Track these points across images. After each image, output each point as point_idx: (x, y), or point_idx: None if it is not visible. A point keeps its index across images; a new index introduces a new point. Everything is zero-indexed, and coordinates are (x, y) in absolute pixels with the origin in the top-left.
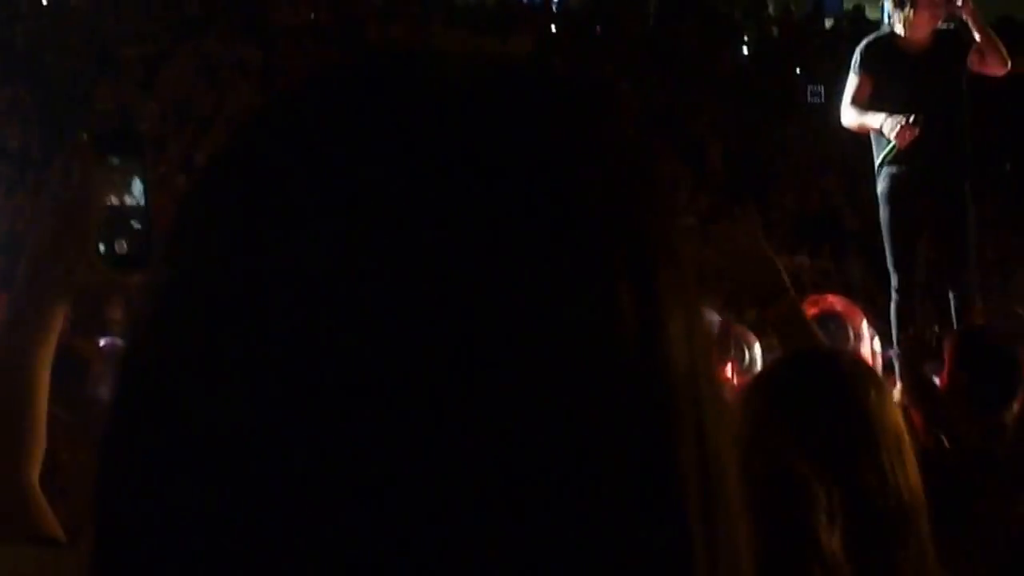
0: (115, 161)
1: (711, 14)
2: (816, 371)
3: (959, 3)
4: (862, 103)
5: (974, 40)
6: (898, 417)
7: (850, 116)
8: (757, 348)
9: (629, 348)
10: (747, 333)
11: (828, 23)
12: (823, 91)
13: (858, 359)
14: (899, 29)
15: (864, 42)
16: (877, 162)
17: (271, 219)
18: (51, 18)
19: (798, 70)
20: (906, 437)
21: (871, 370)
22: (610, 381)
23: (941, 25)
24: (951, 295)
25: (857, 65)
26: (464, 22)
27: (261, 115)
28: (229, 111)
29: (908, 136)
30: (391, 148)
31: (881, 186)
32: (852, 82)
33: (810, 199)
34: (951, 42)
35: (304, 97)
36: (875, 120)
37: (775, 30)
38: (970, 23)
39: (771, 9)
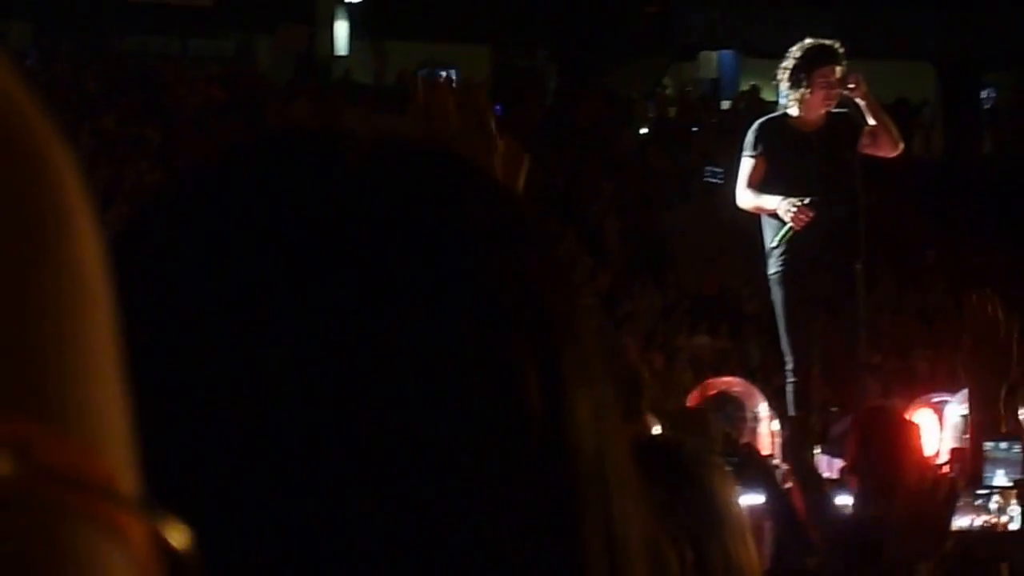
0: None
1: (609, 94)
2: (661, 458)
3: (852, 86)
4: (757, 184)
5: (866, 123)
6: (740, 507)
7: (746, 198)
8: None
9: (535, 432)
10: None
11: (725, 104)
12: (721, 172)
13: (701, 449)
14: (793, 110)
15: (757, 123)
16: (770, 244)
17: (171, 297)
18: None
19: (694, 150)
20: (747, 524)
21: (714, 459)
22: (516, 466)
23: (834, 108)
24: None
25: (751, 146)
26: (363, 100)
27: (163, 193)
28: (127, 188)
29: (804, 218)
30: (292, 229)
31: (774, 268)
32: (746, 164)
33: (708, 279)
34: (844, 123)
35: (204, 177)
36: (770, 202)
37: (672, 110)
38: (863, 106)
39: (669, 90)
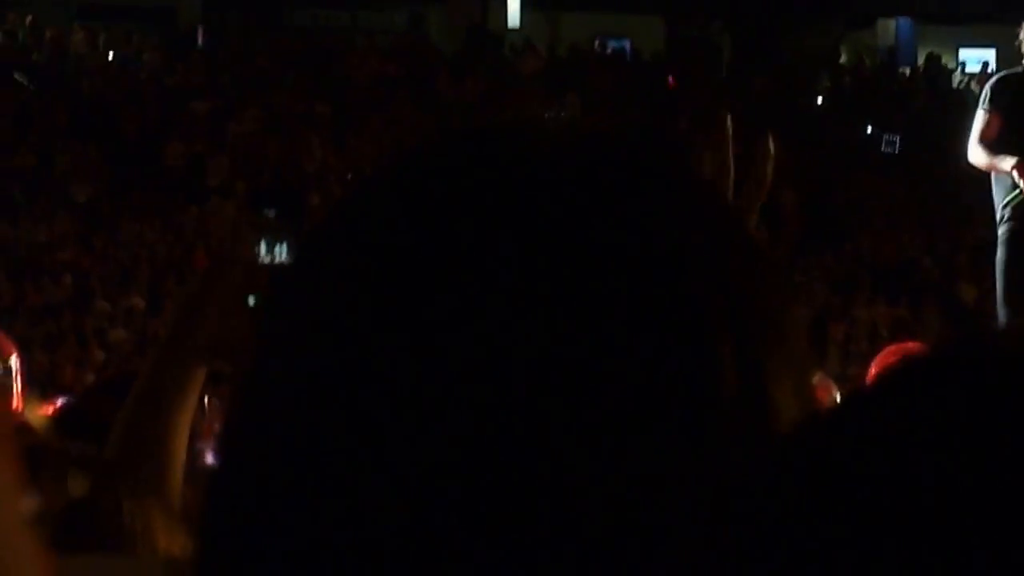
0: (271, 214)
1: (784, 64)
2: None
3: None
4: (990, 141)
5: None
6: None
7: (977, 153)
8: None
9: (727, 406)
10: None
11: (902, 72)
12: (897, 140)
13: None
14: None
15: (996, 77)
16: (1001, 203)
17: (389, 283)
18: (119, 73)
19: (872, 120)
20: None
21: None
22: (710, 436)
23: None
24: None
25: (986, 101)
26: (535, 73)
27: (365, 191)
28: (300, 164)
29: None
30: (509, 221)
31: (1003, 228)
32: (980, 119)
33: (887, 249)
34: None
35: (411, 173)
36: (1006, 163)
37: (848, 79)
38: None
39: (844, 58)
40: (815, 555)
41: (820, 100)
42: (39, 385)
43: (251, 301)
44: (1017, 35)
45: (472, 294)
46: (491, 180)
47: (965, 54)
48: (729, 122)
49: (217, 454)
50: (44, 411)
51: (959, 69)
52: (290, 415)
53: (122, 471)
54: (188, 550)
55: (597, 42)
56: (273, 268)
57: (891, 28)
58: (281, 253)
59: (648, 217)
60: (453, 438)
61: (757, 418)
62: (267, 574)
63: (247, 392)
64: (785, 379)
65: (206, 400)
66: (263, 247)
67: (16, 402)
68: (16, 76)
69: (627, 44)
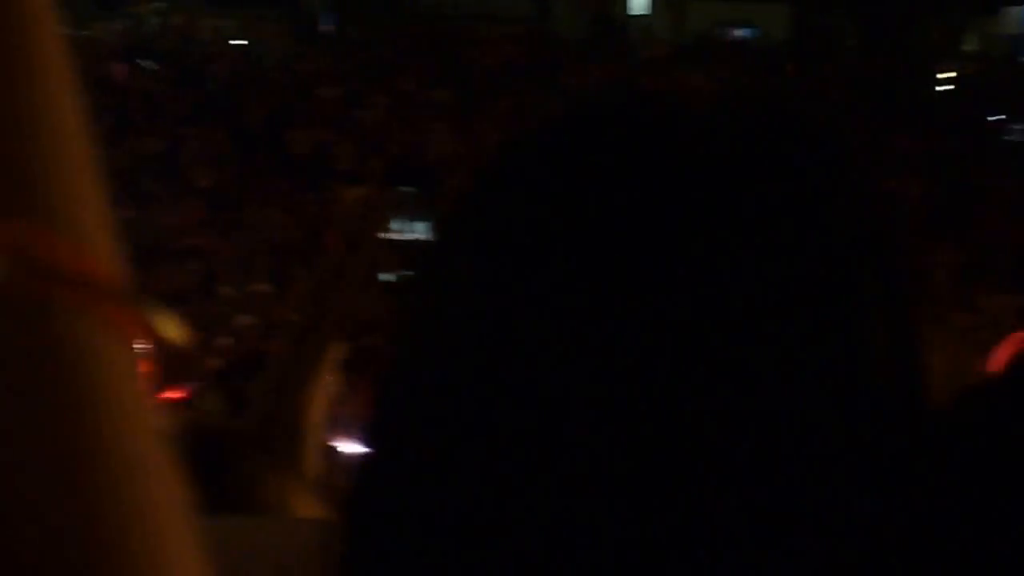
0: (406, 190)
1: (910, 50)
2: None
3: None
4: None
5: None
6: None
7: None
8: None
9: (880, 370)
10: None
11: None
12: (1023, 129)
13: None
14: None
15: None
16: None
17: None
18: (245, 58)
19: (997, 108)
20: None
21: None
22: (860, 399)
23: None
24: None
25: None
26: (659, 62)
27: (525, 149)
28: (425, 151)
29: None
30: (667, 189)
31: None
32: None
33: (1011, 238)
34: None
35: (568, 136)
36: None
37: (972, 68)
38: None
39: (970, 45)
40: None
41: (945, 88)
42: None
43: (385, 278)
44: None
45: (629, 265)
46: (646, 145)
47: None
48: None
49: (366, 434)
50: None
51: None
52: (446, 392)
53: (259, 443)
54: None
55: (722, 30)
56: (412, 245)
57: (1017, 15)
58: (418, 230)
59: (801, 182)
60: (616, 419)
61: (908, 384)
62: (414, 556)
63: (400, 371)
64: (938, 348)
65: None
66: (399, 224)
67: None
68: (141, 63)
69: (752, 32)
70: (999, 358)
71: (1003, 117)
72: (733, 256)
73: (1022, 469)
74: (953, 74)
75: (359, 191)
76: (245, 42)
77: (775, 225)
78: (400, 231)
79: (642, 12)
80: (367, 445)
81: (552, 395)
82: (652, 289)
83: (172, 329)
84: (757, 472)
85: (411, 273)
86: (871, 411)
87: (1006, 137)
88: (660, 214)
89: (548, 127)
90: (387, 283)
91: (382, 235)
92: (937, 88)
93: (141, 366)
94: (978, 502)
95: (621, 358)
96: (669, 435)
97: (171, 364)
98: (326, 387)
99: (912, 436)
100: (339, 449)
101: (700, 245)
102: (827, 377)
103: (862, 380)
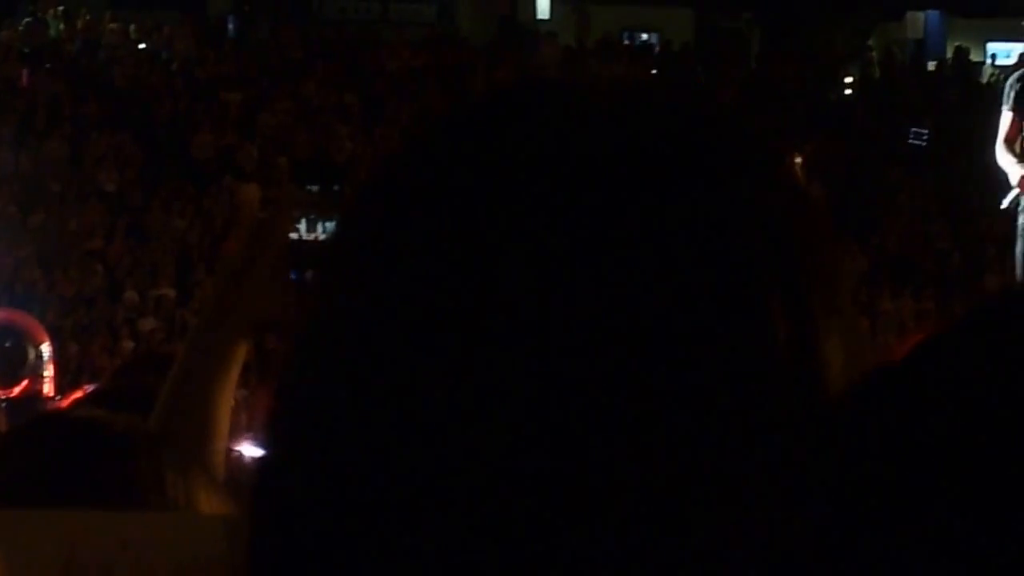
0: (311, 190)
1: (814, 55)
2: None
3: None
4: (1012, 140)
5: None
6: None
7: (1001, 155)
8: None
9: (780, 359)
10: None
11: (931, 66)
12: (926, 134)
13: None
14: None
15: (1014, 75)
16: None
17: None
18: (151, 62)
19: (900, 113)
20: None
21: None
22: (762, 389)
23: None
24: None
25: (1010, 100)
26: (565, 66)
27: (429, 136)
28: (330, 155)
29: None
30: (569, 174)
31: (1021, 220)
32: (1004, 119)
33: (914, 241)
34: None
35: (473, 121)
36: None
37: (877, 71)
38: None
39: (874, 51)
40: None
41: (849, 93)
42: (70, 374)
43: (292, 277)
44: None
45: (527, 254)
46: (538, 134)
47: (993, 47)
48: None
49: (266, 433)
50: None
51: (989, 62)
52: (346, 389)
53: (165, 443)
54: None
55: (626, 34)
56: (317, 244)
57: (920, 21)
58: (325, 230)
59: (700, 170)
60: (514, 417)
61: (808, 373)
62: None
63: (298, 368)
64: (835, 335)
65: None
66: (305, 224)
67: (49, 388)
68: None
69: (656, 36)
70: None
71: (907, 122)
72: (642, 248)
73: (913, 452)
74: (853, 79)
75: (257, 190)
76: (143, 46)
77: (684, 217)
78: (305, 231)
79: (546, 17)
80: (265, 444)
81: (437, 399)
82: (554, 286)
83: None
84: (664, 464)
85: (314, 273)
86: (772, 403)
87: (911, 141)
88: (567, 206)
89: (444, 123)
90: (291, 283)
91: (286, 235)
92: (842, 93)
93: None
94: (873, 483)
95: (514, 356)
96: (566, 439)
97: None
98: (230, 388)
99: (812, 425)
100: (243, 452)
101: (612, 238)
102: (731, 370)
103: (764, 371)
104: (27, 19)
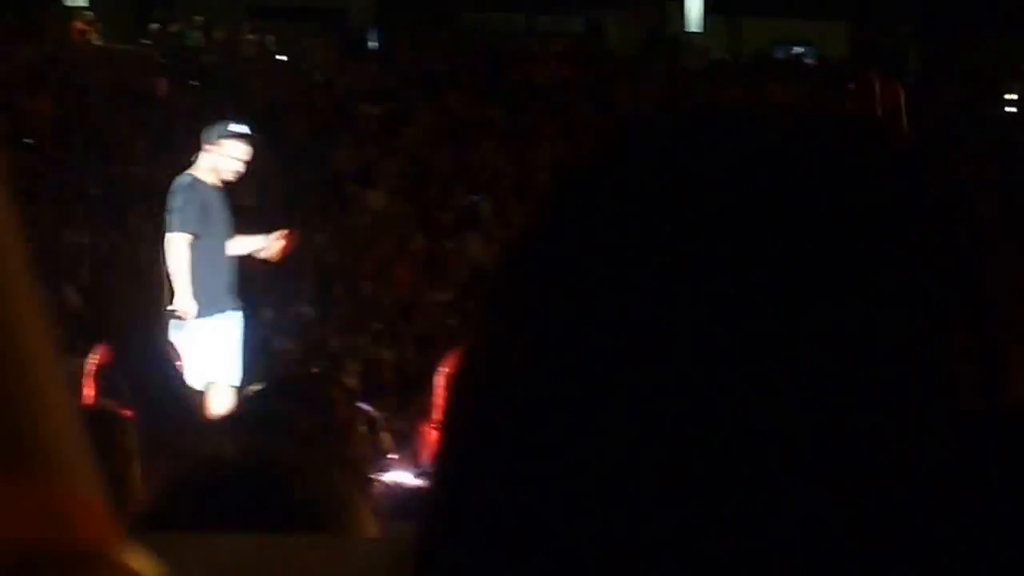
0: None
1: (973, 71)
2: None
3: None
4: None
5: None
6: None
7: None
8: None
9: (970, 399)
10: None
11: None
12: None
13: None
14: None
15: None
16: None
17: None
18: (290, 75)
19: None
20: None
21: None
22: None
23: None
24: None
25: None
26: (715, 78)
27: (594, 165)
28: (472, 169)
29: None
30: (744, 203)
31: None
32: None
33: None
34: None
35: (641, 150)
36: None
37: None
38: None
39: None
40: None
41: (1009, 111)
42: None
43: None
44: None
45: (718, 268)
46: (732, 159)
47: None
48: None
49: (447, 443)
50: None
51: None
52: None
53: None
54: None
55: (778, 47)
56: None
57: None
58: None
59: (886, 199)
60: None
61: (989, 391)
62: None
63: (484, 396)
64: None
65: None
66: None
67: None
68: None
69: (810, 49)
70: None
71: None
72: (837, 275)
73: None
74: (1018, 95)
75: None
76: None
77: (871, 239)
78: None
79: (697, 29)
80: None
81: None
82: (747, 309)
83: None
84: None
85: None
86: (947, 417)
87: None
88: (751, 231)
89: (622, 144)
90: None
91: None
92: (1003, 109)
93: None
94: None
95: (716, 375)
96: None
97: None
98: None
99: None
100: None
101: (801, 262)
102: (914, 384)
103: (941, 386)
104: (163, 28)
